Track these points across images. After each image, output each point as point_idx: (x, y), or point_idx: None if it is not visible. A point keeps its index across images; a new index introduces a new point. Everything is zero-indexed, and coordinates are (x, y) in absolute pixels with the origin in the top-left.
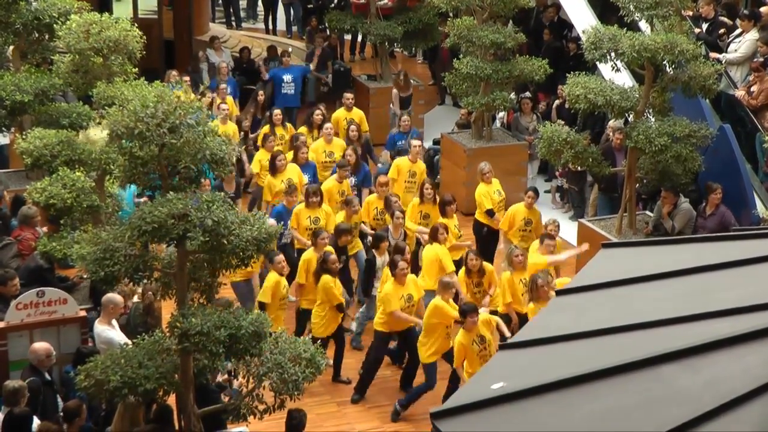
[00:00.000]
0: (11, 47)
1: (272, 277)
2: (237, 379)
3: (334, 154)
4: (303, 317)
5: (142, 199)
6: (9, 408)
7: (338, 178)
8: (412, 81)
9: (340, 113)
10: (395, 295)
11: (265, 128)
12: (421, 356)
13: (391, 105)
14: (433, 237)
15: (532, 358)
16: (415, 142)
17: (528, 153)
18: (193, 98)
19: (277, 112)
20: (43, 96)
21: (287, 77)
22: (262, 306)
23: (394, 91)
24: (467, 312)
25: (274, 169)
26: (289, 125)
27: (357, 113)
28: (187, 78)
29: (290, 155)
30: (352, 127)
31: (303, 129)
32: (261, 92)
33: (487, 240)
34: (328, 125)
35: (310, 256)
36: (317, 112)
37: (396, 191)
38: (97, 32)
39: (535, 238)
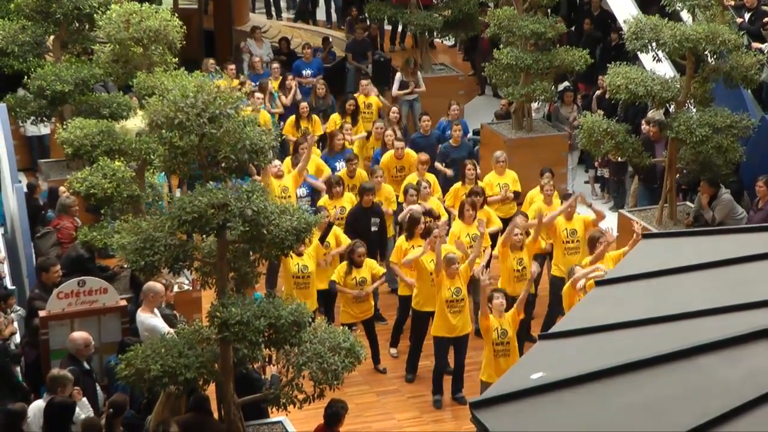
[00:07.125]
0: (52, 37)
1: None
2: (273, 365)
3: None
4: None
5: None
6: (51, 396)
7: (348, 172)
8: (420, 73)
9: (357, 99)
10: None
11: (291, 119)
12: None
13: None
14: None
15: (572, 349)
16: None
17: (568, 143)
18: (235, 84)
19: (303, 104)
20: (83, 86)
21: (306, 72)
22: None
23: (398, 74)
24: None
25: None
26: (315, 117)
27: (373, 99)
28: (232, 66)
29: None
30: (394, 109)
31: (336, 117)
32: (291, 77)
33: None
34: (378, 124)
35: None
36: (350, 101)
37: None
38: (137, 22)
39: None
